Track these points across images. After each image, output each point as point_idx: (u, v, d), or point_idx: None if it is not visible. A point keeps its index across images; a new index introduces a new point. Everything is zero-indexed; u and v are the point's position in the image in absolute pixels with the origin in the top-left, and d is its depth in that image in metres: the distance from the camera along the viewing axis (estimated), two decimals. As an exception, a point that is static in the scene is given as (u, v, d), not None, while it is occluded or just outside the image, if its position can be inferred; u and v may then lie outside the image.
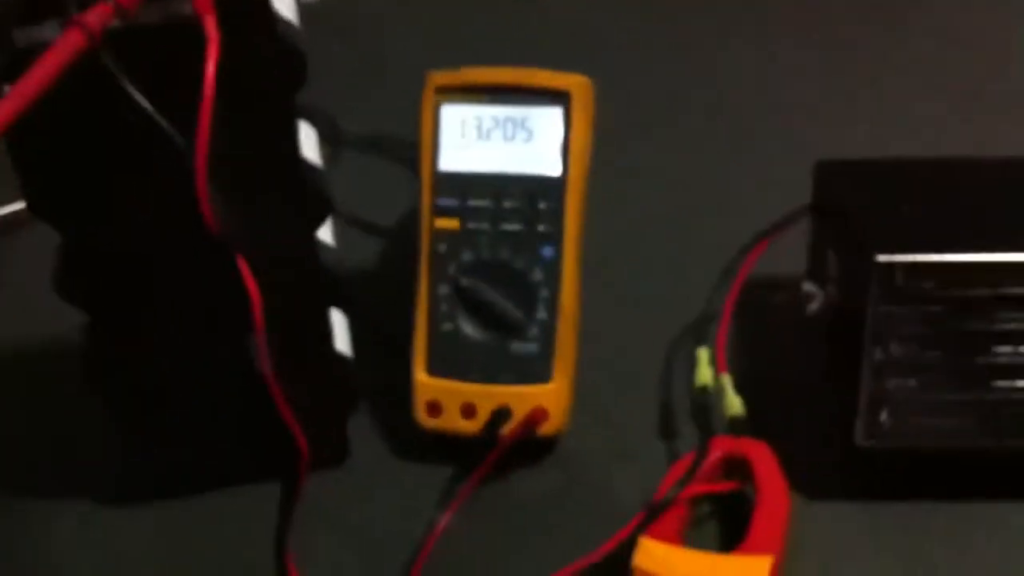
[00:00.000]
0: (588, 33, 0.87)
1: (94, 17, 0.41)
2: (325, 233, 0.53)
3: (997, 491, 0.53)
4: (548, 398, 0.56)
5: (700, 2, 0.90)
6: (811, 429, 0.56)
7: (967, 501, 0.53)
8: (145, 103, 0.44)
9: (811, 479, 0.54)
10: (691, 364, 0.58)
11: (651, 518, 0.50)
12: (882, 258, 0.49)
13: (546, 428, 0.56)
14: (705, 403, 0.56)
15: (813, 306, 0.56)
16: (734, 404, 0.55)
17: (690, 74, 0.83)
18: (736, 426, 0.55)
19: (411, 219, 0.59)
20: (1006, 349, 0.50)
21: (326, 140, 0.68)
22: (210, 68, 0.42)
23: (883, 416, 0.51)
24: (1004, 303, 0.49)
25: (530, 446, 0.56)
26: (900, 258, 0.49)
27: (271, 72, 0.47)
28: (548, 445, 0.57)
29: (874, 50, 0.84)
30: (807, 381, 0.58)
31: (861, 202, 0.55)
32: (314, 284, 0.52)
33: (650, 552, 0.48)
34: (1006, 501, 0.53)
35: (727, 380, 0.56)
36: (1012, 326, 0.50)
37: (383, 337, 0.60)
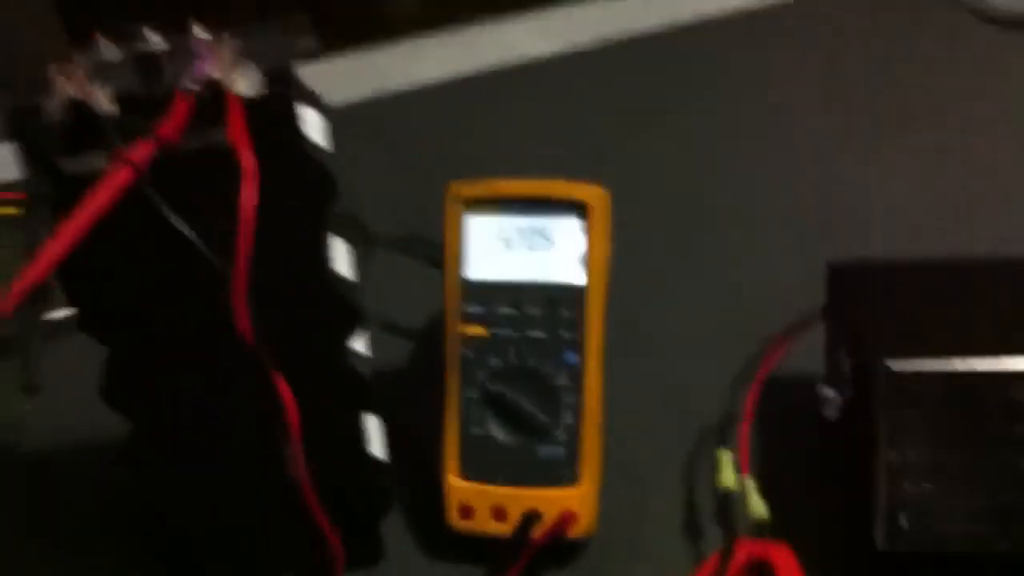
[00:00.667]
0: (602, 140, 0.90)
1: (140, 152, 0.43)
2: (358, 341, 0.55)
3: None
4: (576, 501, 0.57)
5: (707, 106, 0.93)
6: (830, 534, 0.57)
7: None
8: (184, 227, 0.46)
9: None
10: (712, 466, 0.59)
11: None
12: (891, 364, 0.50)
13: (575, 531, 0.57)
14: (728, 506, 0.57)
15: (831, 410, 0.57)
16: (758, 508, 0.56)
17: (701, 175, 0.86)
18: (761, 530, 0.56)
19: (440, 321, 0.61)
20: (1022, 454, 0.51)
21: (357, 242, 0.71)
22: (247, 199, 0.44)
23: (902, 520, 0.52)
24: (1018, 409, 0.50)
25: (557, 548, 0.58)
26: (909, 365, 0.50)
27: (301, 193, 0.49)
28: (575, 547, 0.59)
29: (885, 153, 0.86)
30: (826, 485, 0.59)
31: (872, 304, 0.56)
32: (345, 391, 0.54)
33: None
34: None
35: (751, 483, 0.58)
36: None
37: (415, 440, 0.61)
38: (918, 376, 0.50)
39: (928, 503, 0.52)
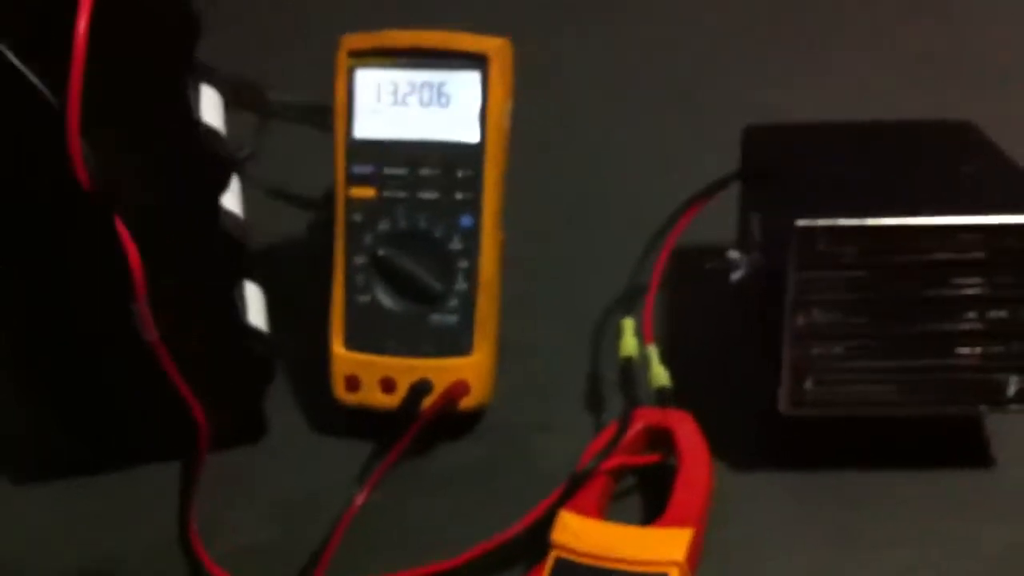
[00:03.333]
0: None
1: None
2: (232, 201, 0.51)
3: (921, 459, 0.52)
4: (469, 371, 0.54)
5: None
6: (739, 400, 0.55)
7: (892, 469, 0.52)
8: (17, 62, 0.42)
9: (737, 450, 0.53)
10: (618, 334, 0.56)
11: (569, 492, 0.48)
12: (802, 223, 0.48)
13: (467, 402, 0.54)
14: (630, 375, 0.55)
15: (738, 273, 0.54)
16: (660, 375, 0.54)
17: (626, 38, 0.82)
18: (662, 397, 0.53)
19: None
20: (931, 316, 0.49)
21: (252, 109, 0.67)
22: (81, 24, 0.40)
23: (807, 384, 0.50)
24: (929, 269, 0.48)
25: (453, 420, 0.55)
26: (821, 222, 0.48)
27: (159, 32, 0.45)
28: (472, 418, 0.56)
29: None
30: (735, 351, 0.57)
31: (785, 166, 0.53)
32: (217, 252, 0.50)
33: (568, 526, 0.47)
34: (930, 469, 0.52)
35: (653, 351, 0.55)
36: (937, 292, 0.48)
37: (300, 310, 0.58)
38: (829, 231, 0.48)
39: (834, 366, 0.49)
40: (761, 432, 0.54)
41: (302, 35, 0.85)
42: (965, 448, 0.53)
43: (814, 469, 0.52)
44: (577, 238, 0.67)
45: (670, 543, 0.46)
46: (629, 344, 0.55)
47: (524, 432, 0.56)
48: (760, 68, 0.82)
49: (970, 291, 0.48)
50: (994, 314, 0.48)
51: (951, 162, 0.53)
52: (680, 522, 0.47)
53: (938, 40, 0.84)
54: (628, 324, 0.56)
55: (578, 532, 0.47)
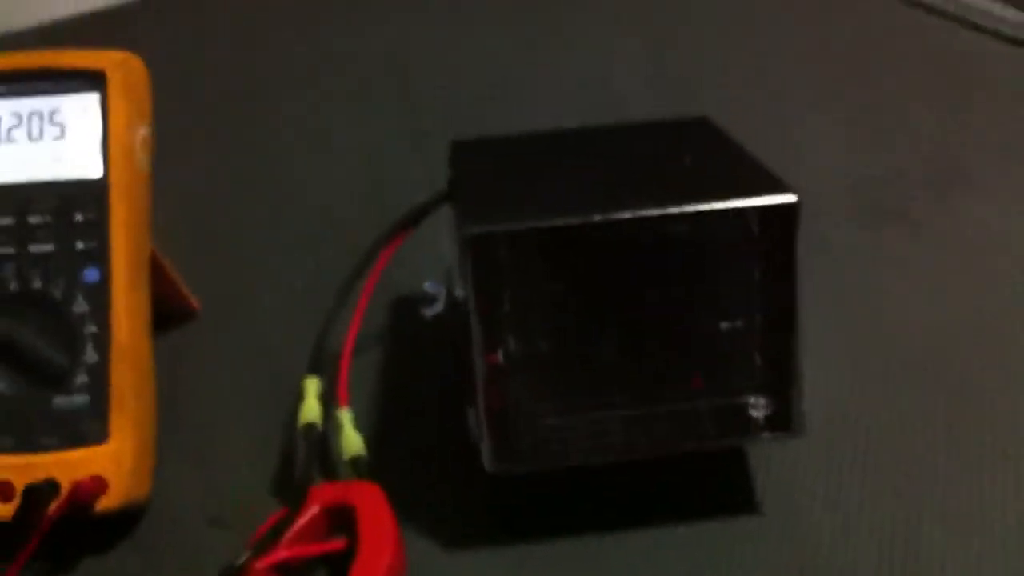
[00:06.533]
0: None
1: None
2: None
3: (677, 507, 0.43)
4: (104, 462, 0.43)
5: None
6: (453, 464, 0.45)
7: (638, 525, 0.42)
8: None
9: (449, 524, 0.43)
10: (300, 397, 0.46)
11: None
12: (475, 230, 0.38)
13: (107, 502, 0.43)
14: (313, 446, 0.44)
15: (432, 309, 0.45)
16: (353, 443, 0.44)
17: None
18: (358, 469, 0.43)
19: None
20: (652, 333, 0.40)
21: None
22: None
23: (513, 433, 0.40)
24: (632, 277, 0.39)
25: (105, 525, 0.43)
26: (496, 228, 0.38)
27: None
28: (128, 520, 0.44)
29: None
30: (450, 405, 0.47)
31: (472, 177, 0.44)
32: None
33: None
34: (690, 520, 0.42)
35: (346, 415, 0.45)
36: (648, 303, 0.39)
37: None
38: (507, 237, 0.38)
39: (543, 407, 0.40)
40: (476, 499, 0.43)
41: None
42: (727, 490, 0.44)
43: (541, 536, 0.42)
44: (260, 276, 0.56)
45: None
46: (311, 408, 0.45)
47: (192, 529, 0.44)
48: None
49: (688, 292, 0.39)
50: (725, 325, 0.40)
51: (670, 158, 0.45)
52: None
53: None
54: (311, 384, 0.46)
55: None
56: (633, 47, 0.77)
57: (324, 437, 0.45)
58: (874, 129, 0.66)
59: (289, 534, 0.40)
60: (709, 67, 0.74)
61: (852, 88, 0.71)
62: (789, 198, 0.37)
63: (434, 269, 0.49)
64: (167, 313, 0.51)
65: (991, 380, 0.48)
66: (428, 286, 0.46)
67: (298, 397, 0.46)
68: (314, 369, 0.46)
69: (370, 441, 0.44)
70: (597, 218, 0.37)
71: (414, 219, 0.48)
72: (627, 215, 0.37)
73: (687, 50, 0.76)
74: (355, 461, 0.44)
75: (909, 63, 0.73)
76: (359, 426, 0.45)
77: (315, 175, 0.66)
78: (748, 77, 0.72)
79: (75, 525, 0.43)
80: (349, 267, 0.48)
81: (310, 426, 0.44)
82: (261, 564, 0.38)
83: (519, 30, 0.81)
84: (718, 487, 0.44)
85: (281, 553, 0.39)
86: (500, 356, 0.39)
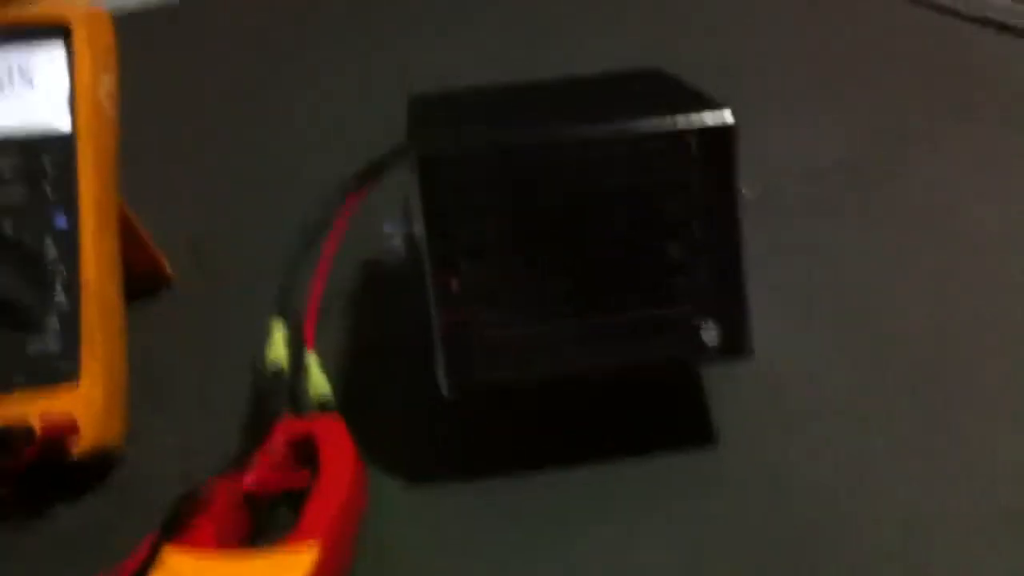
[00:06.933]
0: None
1: None
2: None
3: (635, 436, 0.43)
4: (76, 403, 0.44)
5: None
6: (413, 404, 0.46)
7: (572, 463, 0.43)
8: None
9: (411, 462, 0.43)
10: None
11: (169, 527, 0.38)
12: (422, 152, 0.39)
13: (80, 443, 0.44)
14: (279, 385, 0.45)
15: (392, 247, 0.45)
16: (319, 384, 0.45)
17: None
18: (324, 408, 0.44)
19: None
20: (600, 250, 0.40)
21: None
22: None
23: (469, 356, 0.41)
24: (585, 194, 0.40)
25: (79, 475, 0.44)
26: (442, 149, 0.39)
27: None
28: (103, 468, 0.45)
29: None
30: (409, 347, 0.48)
31: (428, 123, 0.45)
32: None
33: (168, 564, 0.37)
34: (646, 452, 0.43)
35: (313, 358, 0.46)
36: (600, 221, 0.40)
37: None
38: (454, 158, 0.39)
39: (497, 332, 0.41)
40: (439, 438, 0.44)
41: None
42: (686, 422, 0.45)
43: (502, 473, 0.43)
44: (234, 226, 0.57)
45: (289, 565, 0.36)
46: (277, 349, 0.46)
47: (166, 480, 0.45)
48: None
49: (634, 215, 0.40)
50: (673, 245, 0.40)
51: (617, 93, 0.45)
52: (307, 538, 0.37)
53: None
54: (277, 325, 0.47)
55: (180, 569, 0.36)
56: (632, 48, 0.78)
57: (292, 381, 0.46)
58: (873, 128, 0.67)
59: (254, 464, 0.41)
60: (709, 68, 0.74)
61: (852, 87, 0.71)
62: (726, 117, 0.38)
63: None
64: (141, 281, 0.52)
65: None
66: (387, 226, 0.47)
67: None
68: (281, 313, 0.47)
69: (336, 383, 0.45)
70: (541, 138, 0.38)
71: (376, 170, 0.49)
72: (569, 135, 0.38)
73: (687, 50, 0.77)
74: (320, 401, 0.44)
75: (909, 63, 0.73)
76: (325, 368, 0.46)
77: (297, 146, 0.67)
78: (748, 78, 0.73)
79: (48, 474, 0.44)
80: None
81: (274, 363, 0.45)
82: (224, 491, 0.39)
83: (520, 30, 0.82)
84: (675, 418, 0.45)
85: (244, 481, 0.40)
86: (451, 278, 0.40)
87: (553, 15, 0.86)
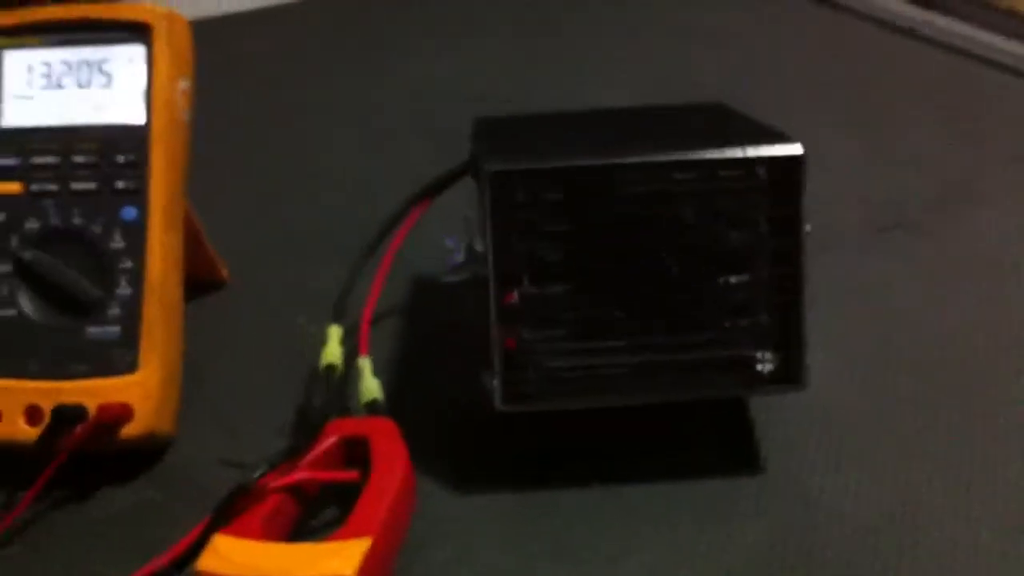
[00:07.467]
0: None
1: None
2: None
3: (672, 459, 0.44)
4: (132, 391, 0.45)
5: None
6: (462, 413, 0.46)
7: (633, 479, 0.43)
8: None
9: (460, 468, 0.44)
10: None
11: (222, 514, 0.38)
12: (495, 167, 0.40)
13: (132, 429, 0.45)
14: (332, 385, 0.46)
15: (453, 259, 0.46)
16: (371, 388, 0.45)
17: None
18: (375, 411, 0.45)
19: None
20: (663, 281, 0.41)
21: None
22: None
23: (524, 372, 0.41)
24: (652, 223, 0.40)
25: (127, 458, 0.45)
26: (515, 166, 0.40)
27: None
28: (150, 455, 0.46)
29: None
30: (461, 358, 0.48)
31: (494, 140, 0.46)
32: None
33: (219, 550, 0.37)
34: (684, 478, 0.43)
35: (366, 362, 0.46)
36: (665, 252, 0.41)
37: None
38: (525, 175, 0.40)
39: (554, 348, 0.41)
40: (487, 447, 0.45)
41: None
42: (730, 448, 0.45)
43: (547, 485, 0.43)
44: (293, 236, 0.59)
45: (341, 556, 0.36)
46: (333, 352, 0.47)
47: (208, 467, 0.46)
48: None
49: (698, 245, 0.40)
50: (735, 279, 0.41)
51: (684, 122, 0.46)
52: (358, 534, 0.37)
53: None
54: (334, 331, 0.48)
55: (230, 556, 0.37)
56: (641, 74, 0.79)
57: (344, 384, 0.47)
58: (887, 153, 0.68)
59: (305, 460, 0.41)
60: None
61: (865, 114, 0.72)
62: (796, 149, 0.39)
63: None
64: (199, 282, 0.53)
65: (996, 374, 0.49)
66: (448, 240, 0.48)
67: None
68: (337, 319, 0.48)
69: (388, 389, 0.46)
70: (611, 161, 0.39)
71: (438, 187, 0.49)
72: (639, 159, 0.39)
73: (699, 75, 0.78)
74: (372, 404, 0.45)
75: (919, 93, 0.75)
76: (378, 374, 0.46)
77: (347, 156, 0.68)
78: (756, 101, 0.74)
79: (98, 457, 0.44)
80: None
81: (331, 366, 0.46)
82: (275, 484, 0.40)
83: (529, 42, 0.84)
84: (721, 445, 0.45)
85: (296, 475, 0.41)
86: (514, 296, 0.41)
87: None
